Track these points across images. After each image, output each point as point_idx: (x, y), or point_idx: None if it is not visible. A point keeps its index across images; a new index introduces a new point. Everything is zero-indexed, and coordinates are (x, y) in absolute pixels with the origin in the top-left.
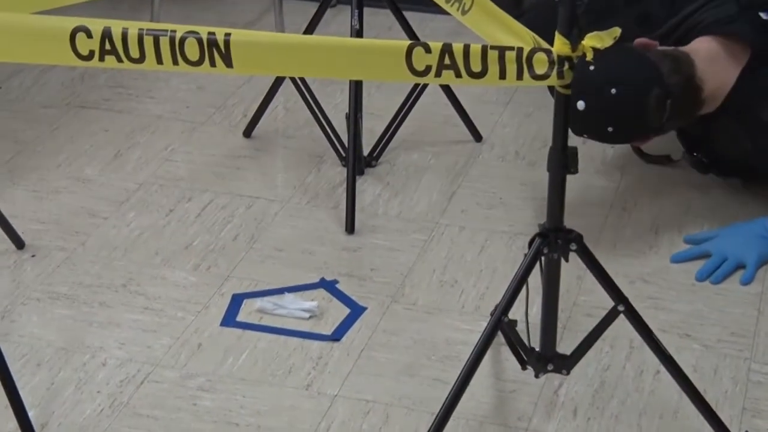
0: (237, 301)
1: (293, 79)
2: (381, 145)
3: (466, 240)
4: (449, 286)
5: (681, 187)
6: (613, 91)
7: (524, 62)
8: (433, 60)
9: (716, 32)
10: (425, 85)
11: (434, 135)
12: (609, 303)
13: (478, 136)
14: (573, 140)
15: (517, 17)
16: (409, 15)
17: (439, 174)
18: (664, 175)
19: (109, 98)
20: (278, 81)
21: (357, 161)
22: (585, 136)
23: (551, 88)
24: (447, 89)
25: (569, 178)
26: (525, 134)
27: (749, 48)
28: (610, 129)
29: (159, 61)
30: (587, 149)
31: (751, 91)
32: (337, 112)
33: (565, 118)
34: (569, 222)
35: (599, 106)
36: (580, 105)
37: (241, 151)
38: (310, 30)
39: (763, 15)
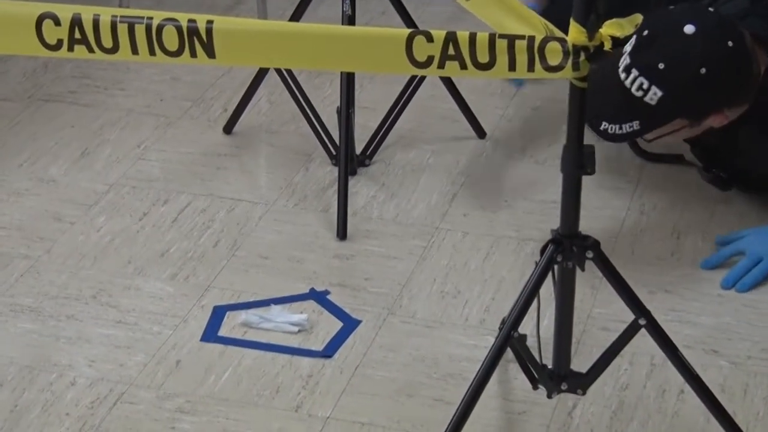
0: (218, 313)
1: (278, 70)
2: (375, 143)
3: (469, 246)
4: (451, 297)
5: (705, 188)
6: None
7: (536, 52)
8: (435, 50)
9: None
10: (423, 77)
11: (433, 131)
12: (628, 316)
13: (481, 132)
14: (588, 138)
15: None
16: None
17: (439, 174)
18: (685, 176)
19: (75, 90)
20: (262, 72)
21: (349, 160)
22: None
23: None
24: (447, 81)
25: (585, 179)
26: (533, 130)
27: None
28: (703, 70)
29: (134, 51)
30: (603, 148)
31: None
32: (327, 105)
33: (581, 113)
34: (583, 227)
35: (710, 32)
36: (689, 29)
37: (221, 149)
38: (296, 16)
39: None
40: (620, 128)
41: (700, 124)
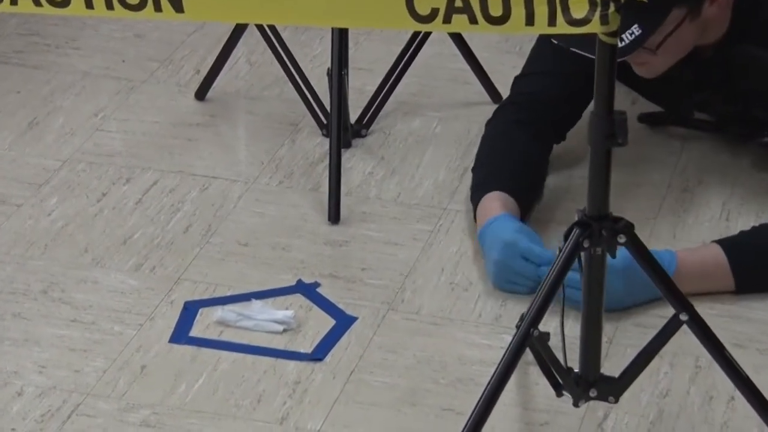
0: (190, 310)
1: (259, 25)
2: (373, 110)
3: None
4: (462, 289)
5: (761, 161)
6: None
7: (558, 3)
8: (440, 1)
9: None
10: (427, 32)
11: (440, 95)
12: (668, 311)
13: (496, 96)
14: (620, 102)
15: None
16: None
17: (448, 146)
18: (737, 146)
19: (21, 50)
20: (239, 28)
21: (342, 130)
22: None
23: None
24: (457, 37)
25: (616, 151)
26: None
27: None
28: None
29: (88, 4)
30: (638, 113)
31: None
32: (316, 66)
33: (611, 74)
34: (616, 207)
35: None
36: None
37: (192, 118)
38: None
39: None
40: (621, 40)
41: (699, 15)
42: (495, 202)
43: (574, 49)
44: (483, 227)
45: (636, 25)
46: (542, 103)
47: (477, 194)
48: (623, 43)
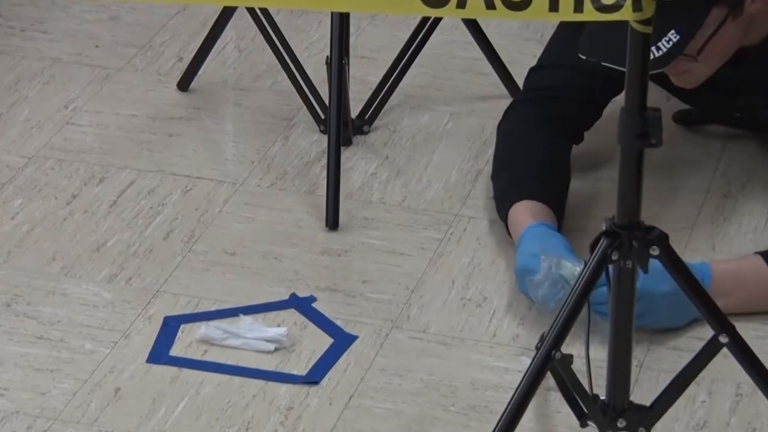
0: (171, 326)
1: (249, 8)
2: (376, 103)
3: (498, 239)
4: (475, 305)
5: None
6: None
7: None
8: None
9: None
10: (438, 17)
11: (452, 88)
12: (706, 332)
13: (514, 89)
14: (653, 98)
15: None
16: None
17: (460, 144)
18: None
19: None
20: (228, 10)
21: (342, 126)
22: None
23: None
24: (471, 23)
25: (649, 153)
26: None
27: None
28: None
29: None
30: (673, 110)
31: None
32: (313, 54)
33: (644, 67)
34: (648, 215)
35: None
36: None
37: (174, 111)
38: None
39: None
40: (657, 49)
41: (742, 12)
42: (522, 214)
43: (606, 64)
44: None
45: (673, 31)
46: (559, 99)
47: (504, 205)
48: (660, 52)
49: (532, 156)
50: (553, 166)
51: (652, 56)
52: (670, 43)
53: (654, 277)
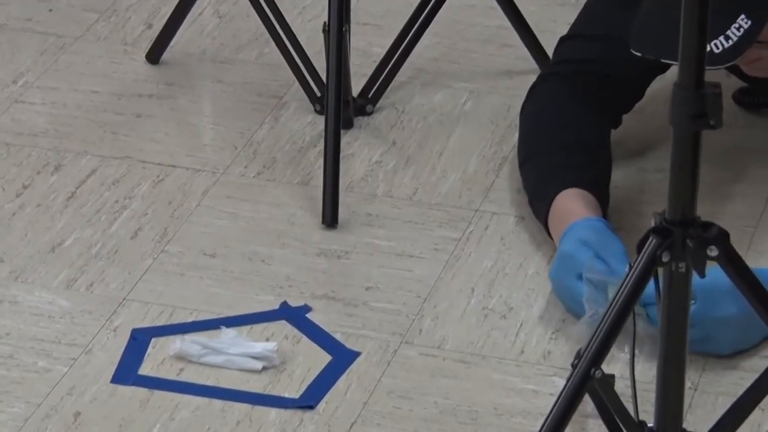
0: (140, 341)
1: None
2: (382, 79)
3: (525, 239)
4: (499, 317)
5: None
6: None
7: None
8: None
9: None
10: None
11: (471, 61)
12: None
13: (545, 63)
14: (711, 74)
15: None
16: None
17: (481, 127)
18: None
19: None
20: None
21: (342, 105)
22: None
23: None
24: None
25: (706, 138)
26: None
27: None
28: None
29: None
30: (731, 85)
31: None
32: (308, 21)
33: (701, 34)
34: (705, 211)
35: None
36: None
37: (143, 87)
38: None
39: None
40: (726, 39)
41: None
42: (572, 203)
43: (665, 60)
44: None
45: (743, 16)
46: (595, 75)
47: (542, 195)
48: (730, 42)
49: (570, 138)
50: (596, 151)
51: (720, 47)
52: (741, 30)
53: (717, 298)
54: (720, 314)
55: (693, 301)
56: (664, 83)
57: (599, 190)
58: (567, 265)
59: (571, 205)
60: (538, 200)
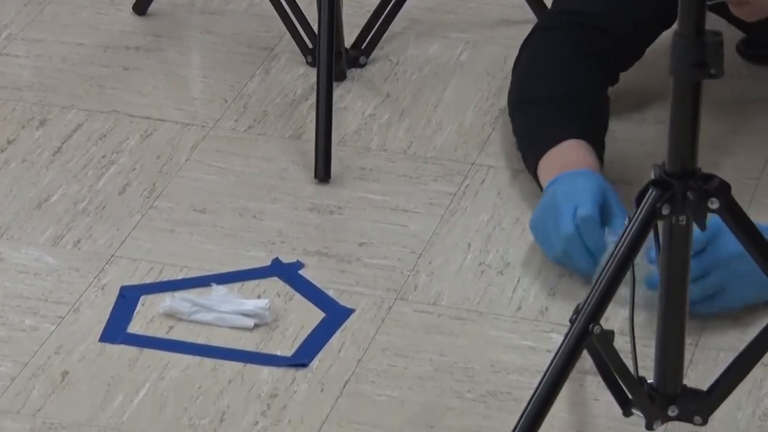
0: (129, 298)
1: None
2: (375, 29)
3: (523, 192)
4: (496, 272)
5: None
6: None
7: None
8: None
9: None
10: None
11: (467, 10)
12: None
13: (542, 12)
14: (711, 22)
15: None
16: None
17: (478, 78)
18: None
19: None
20: None
21: (334, 57)
22: None
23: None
24: None
25: (707, 89)
26: None
27: None
28: None
29: None
30: (734, 36)
31: None
32: None
33: None
34: (706, 163)
35: None
36: None
37: (130, 39)
38: None
39: None
40: None
41: None
42: (573, 153)
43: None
44: (557, 179)
45: None
46: (593, 28)
47: (532, 144)
48: None
49: (567, 88)
50: (593, 103)
51: None
52: None
53: (724, 238)
54: (731, 251)
55: (702, 250)
56: (664, 33)
57: (594, 142)
58: (546, 213)
59: (572, 157)
60: (529, 149)
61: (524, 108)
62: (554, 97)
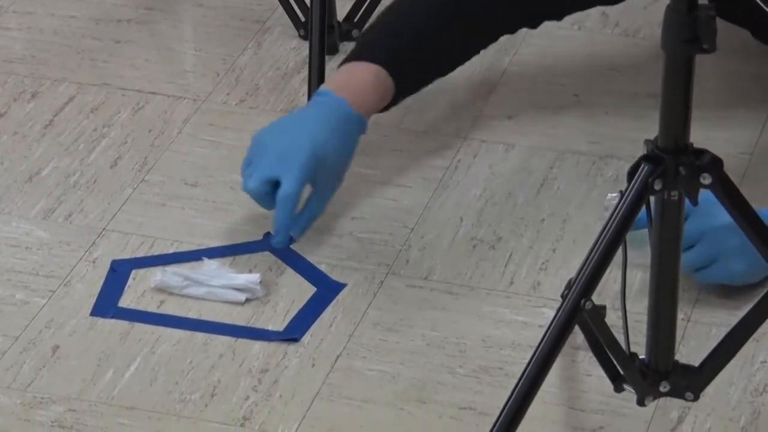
0: (120, 272)
1: None
2: (368, 2)
3: (515, 166)
4: (488, 247)
5: None
6: None
7: None
8: None
9: None
10: None
11: None
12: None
13: None
14: None
15: None
16: None
17: None
18: None
19: None
20: None
21: (326, 30)
22: None
23: None
24: None
25: (699, 63)
26: None
27: None
28: None
29: None
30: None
31: None
32: None
33: None
34: (699, 138)
35: None
36: None
37: (122, 12)
38: None
39: None
40: None
41: None
42: (359, 79)
43: None
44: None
45: None
46: None
47: (355, 52)
48: None
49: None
50: (437, 25)
51: None
52: None
53: (711, 208)
54: (718, 223)
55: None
56: (658, 6)
57: (406, 70)
58: (267, 140)
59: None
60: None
61: (389, 12)
62: (405, 20)
